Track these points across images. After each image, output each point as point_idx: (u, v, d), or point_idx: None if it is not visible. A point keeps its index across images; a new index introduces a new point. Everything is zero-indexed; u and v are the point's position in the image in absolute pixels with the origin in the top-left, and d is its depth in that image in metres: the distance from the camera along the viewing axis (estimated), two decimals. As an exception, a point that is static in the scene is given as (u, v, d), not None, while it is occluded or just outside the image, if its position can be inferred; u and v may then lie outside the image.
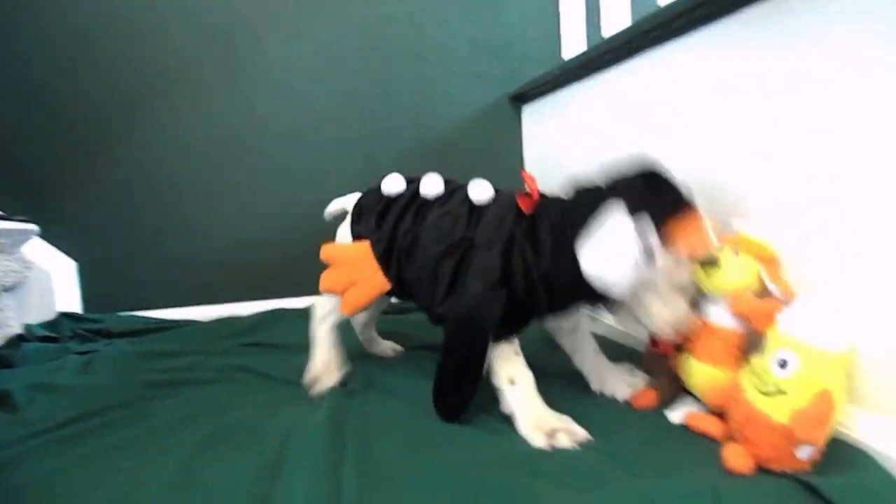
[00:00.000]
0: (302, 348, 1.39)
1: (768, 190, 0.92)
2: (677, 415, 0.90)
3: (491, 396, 0.91)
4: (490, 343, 0.87)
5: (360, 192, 1.17)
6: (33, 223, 1.67)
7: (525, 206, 0.93)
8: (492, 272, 0.89)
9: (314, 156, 1.93)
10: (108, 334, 1.62)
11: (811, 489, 0.65)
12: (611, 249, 0.80)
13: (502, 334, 0.90)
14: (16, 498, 0.74)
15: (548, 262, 0.87)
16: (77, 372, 1.28)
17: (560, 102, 1.72)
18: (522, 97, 1.98)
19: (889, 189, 0.73)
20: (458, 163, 1.96)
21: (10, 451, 0.86)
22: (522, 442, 0.84)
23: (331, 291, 1.08)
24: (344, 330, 1.21)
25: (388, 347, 1.36)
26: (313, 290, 1.90)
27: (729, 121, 1.00)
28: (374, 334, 1.37)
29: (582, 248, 0.82)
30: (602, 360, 1.07)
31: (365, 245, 1.06)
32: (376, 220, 1.07)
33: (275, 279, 1.92)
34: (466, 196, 1.01)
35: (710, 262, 0.89)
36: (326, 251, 1.10)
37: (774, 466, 0.72)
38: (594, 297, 0.86)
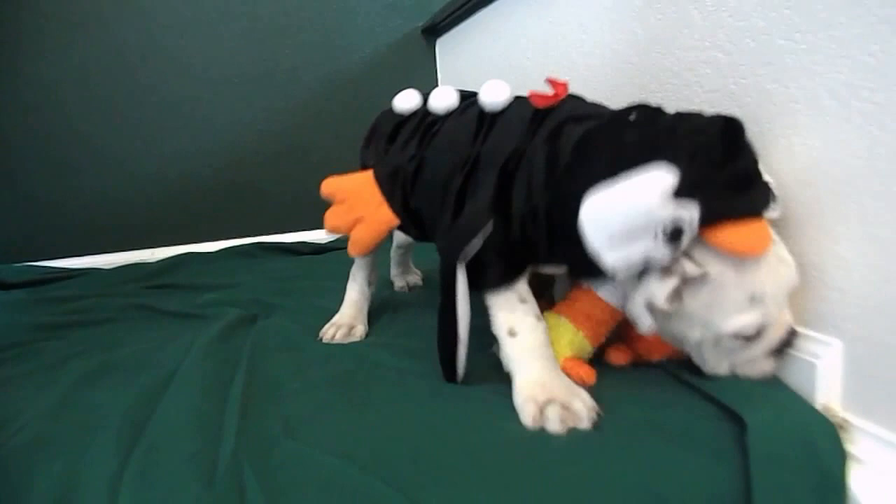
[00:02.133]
0: (210, 287, 1.37)
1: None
2: None
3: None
4: (491, 289, 0.70)
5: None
6: None
7: (541, 102, 0.74)
8: (486, 194, 0.71)
9: (218, 94, 1.84)
10: (2, 286, 1.54)
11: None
12: (620, 215, 0.58)
13: (494, 280, 0.70)
14: None
15: (560, 189, 0.65)
16: (-36, 321, 1.22)
17: (473, 31, 1.69)
18: (435, 29, 1.93)
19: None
20: (369, 100, 1.89)
21: None
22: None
23: (335, 231, 0.95)
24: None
25: (413, 279, 1.29)
26: (225, 233, 1.88)
27: (658, 38, 0.89)
28: (409, 262, 1.31)
29: (588, 195, 0.60)
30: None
31: (367, 175, 0.94)
32: (385, 144, 0.95)
33: (183, 223, 1.85)
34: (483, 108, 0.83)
35: None
36: (327, 186, 0.95)
37: None
38: (582, 261, 0.63)
